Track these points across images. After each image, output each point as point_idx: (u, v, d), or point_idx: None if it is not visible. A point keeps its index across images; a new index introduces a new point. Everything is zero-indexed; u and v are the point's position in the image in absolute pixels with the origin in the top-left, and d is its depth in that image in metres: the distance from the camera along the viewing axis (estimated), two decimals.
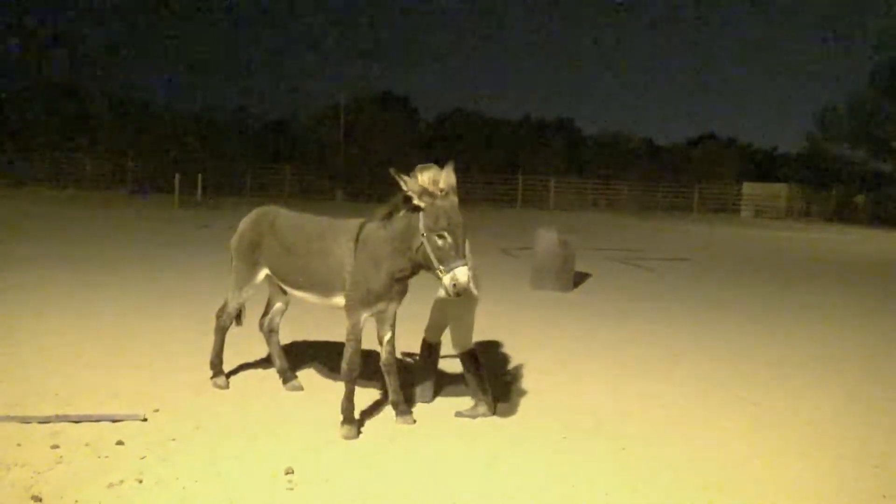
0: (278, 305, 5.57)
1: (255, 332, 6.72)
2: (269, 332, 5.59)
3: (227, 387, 5.34)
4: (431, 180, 4.08)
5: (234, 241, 5.29)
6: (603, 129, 53.29)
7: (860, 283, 13.90)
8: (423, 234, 4.09)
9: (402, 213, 4.30)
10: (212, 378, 5.37)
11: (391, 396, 4.89)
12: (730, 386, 6.13)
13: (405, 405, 4.92)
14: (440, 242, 4.05)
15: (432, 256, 4.08)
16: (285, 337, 6.66)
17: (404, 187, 4.14)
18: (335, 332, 6.16)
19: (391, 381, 4.86)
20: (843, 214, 38.91)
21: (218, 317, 5.45)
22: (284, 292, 5.30)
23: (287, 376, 5.48)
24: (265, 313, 5.62)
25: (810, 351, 7.59)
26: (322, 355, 6.23)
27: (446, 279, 4.06)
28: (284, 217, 5.14)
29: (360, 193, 33.04)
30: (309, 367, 5.99)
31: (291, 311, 5.76)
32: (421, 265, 4.27)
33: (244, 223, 5.28)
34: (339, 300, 4.71)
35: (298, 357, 6.13)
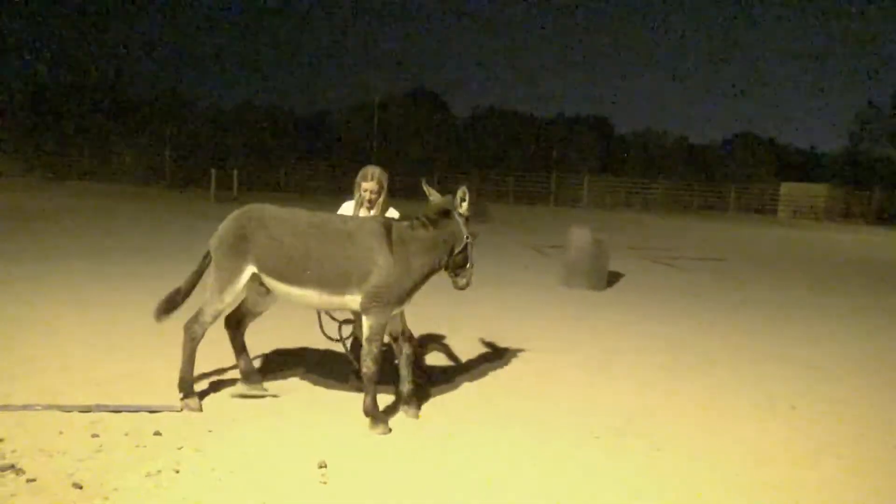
0: (252, 311, 5.15)
1: (286, 324, 6.80)
2: (235, 331, 5.11)
3: (200, 409, 4.72)
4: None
5: (214, 240, 4.78)
6: (638, 128, 52.72)
7: None
8: (468, 239, 4.82)
9: (444, 218, 4.78)
10: (182, 399, 4.74)
11: (407, 388, 4.97)
12: (765, 388, 6.04)
13: (416, 399, 5.02)
14: (474, 246, 4.91)
15: (471, 257, 4.88)
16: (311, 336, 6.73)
17: (465, 200, 4.82)
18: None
19: (409, 373, 4.96)
20: (884, 216, 37.95)
21: (187, 328, 4.79)
22: (265, 300, 5.02)
23: (252, 378, 5.11)
24: (234, 313, 5.10)
25: (849, 354, 7.44)
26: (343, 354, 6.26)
27: (472, 276, 4.96)
28: (278, 212, 4.78)
29: (392, 189, 33.05)
30: (336, 364, 6.01)
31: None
32: (444, 264, 4.85)
33: (226, 220, 4.80)
34: (352, 299, 4.61)
35: (325, 354, 6.18)
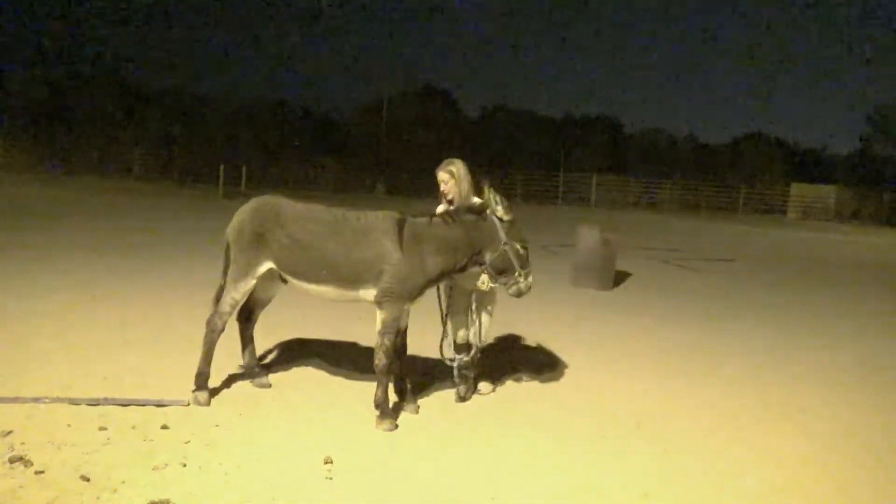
0: (261, 299, 5.25)
1: (291, 319, 6.82)
2: (246, 323, 5.28)
3: (208, 404, 4.75)
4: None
5: (231, 232, 4.87)
6: (646, 127, 52.42)
7: None
8: (505, 243, 4.73)
9: (471, 219, 4.77)
10: (193, 391, 4.78)
11: (402, 384, 5.00)
12: (775, 391, 6.02)
13: (412, 395, 5.05)
14: (522, 252, 4.81)
15: (515, 261, 4.77)
16: (319, 331, 6.74)
17: (497, 203, 4.76)
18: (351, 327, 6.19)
19: (401, 368, 4.97)
20: (895, 217, 37.68)
21: (208, 321, 4.92)
22: (274, 286, 5.12)
23: (254, 372, 5.27)
24: (245, 304, 5.14)
25: (860, 357, 7.40)
26: (353, 349, 6.27)
27: (525, 281, 4.84)
28: (293, 207, 4.82)
29: (401, 187, 33.31)
30: (343, 360, 6.03)
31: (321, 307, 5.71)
32: (478, 264, 4.82)
33: (243, 213, 4.88)
34: (366, 293, 4.68)
35: (332, 350, 6.19)
